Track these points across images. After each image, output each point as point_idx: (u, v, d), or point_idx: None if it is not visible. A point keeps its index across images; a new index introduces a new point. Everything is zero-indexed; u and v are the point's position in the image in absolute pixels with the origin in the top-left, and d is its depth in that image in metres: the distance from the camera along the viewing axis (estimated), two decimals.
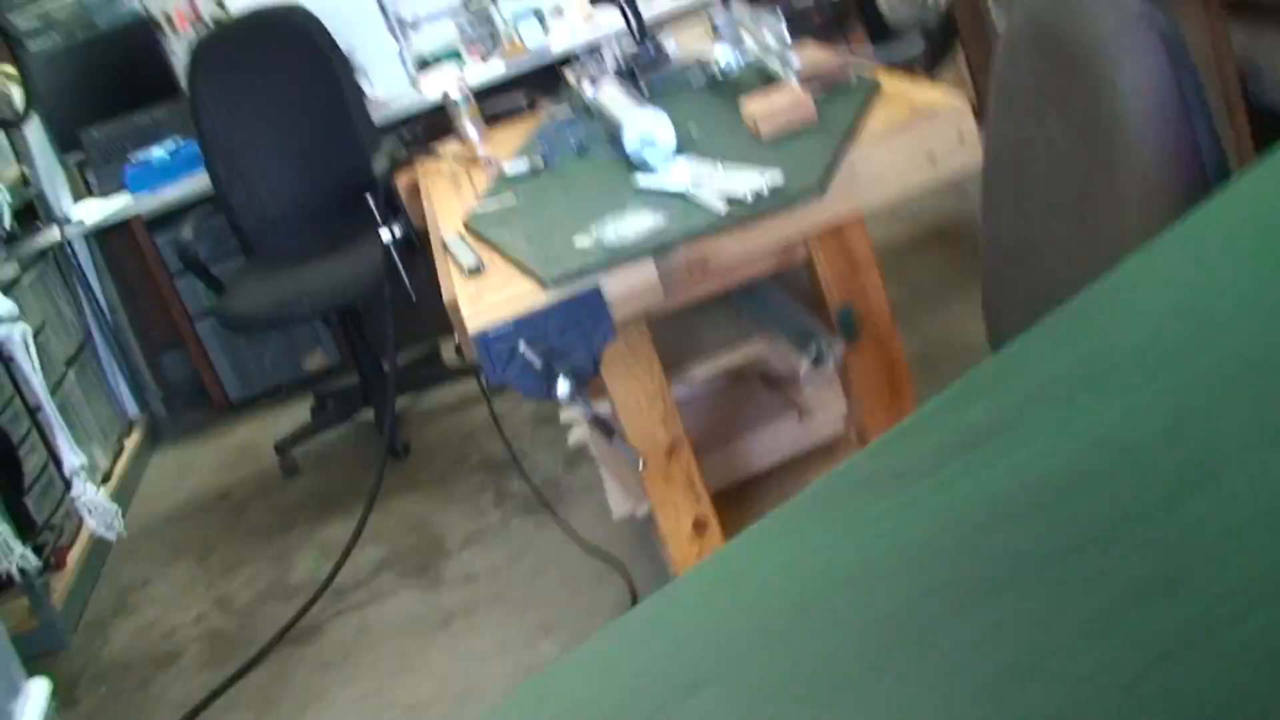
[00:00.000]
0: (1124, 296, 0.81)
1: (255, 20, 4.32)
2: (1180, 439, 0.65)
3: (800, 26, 3.94)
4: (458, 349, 3.18)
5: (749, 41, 2.66)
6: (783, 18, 2.46)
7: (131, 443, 4.68)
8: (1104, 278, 0.83)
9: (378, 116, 4.39)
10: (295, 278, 3.94)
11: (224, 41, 4.29)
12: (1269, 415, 0.63)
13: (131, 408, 4.92)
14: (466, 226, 2.46)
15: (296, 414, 4.53)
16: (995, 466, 0.70)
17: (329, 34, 4.21)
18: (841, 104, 2.32)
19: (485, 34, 4.85)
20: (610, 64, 3.04)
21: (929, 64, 4.56)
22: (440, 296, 2.35)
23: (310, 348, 4.88)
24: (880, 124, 2.19)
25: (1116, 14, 1.17)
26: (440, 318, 2.51)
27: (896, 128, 2.15)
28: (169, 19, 5.06)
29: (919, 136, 2.13)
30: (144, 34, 4.96)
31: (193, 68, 4.24)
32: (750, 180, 2.05)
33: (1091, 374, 0.74)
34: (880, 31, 5.09)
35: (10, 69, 4.59)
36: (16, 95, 4.57)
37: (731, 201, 2.03)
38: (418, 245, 3.36)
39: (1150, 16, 1.15)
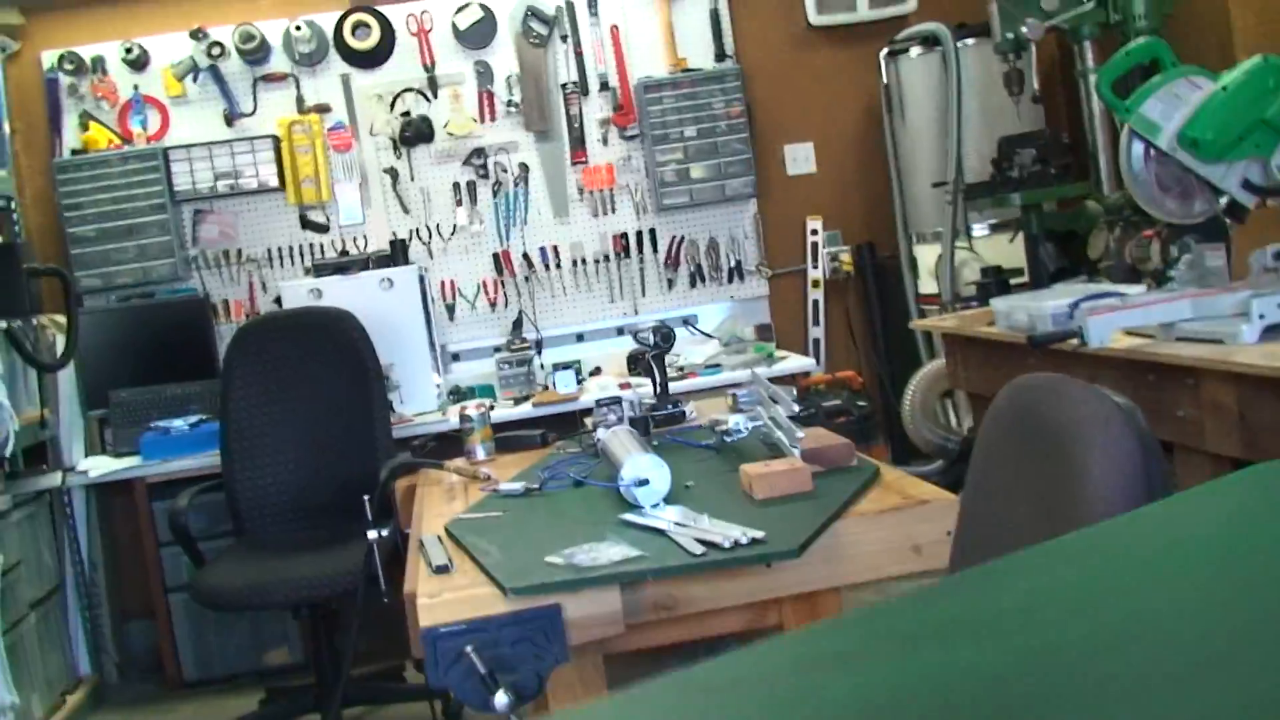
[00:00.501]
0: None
1: (303, 317, 4.46)
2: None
3: (825, 424, 4.00)
4: (418, 663, 3.08)
5: (762, 414, 2.70)
6: (795, 395, 2.51)
7: (74, 700, 4.51)
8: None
9: (399, 430, 4.45)
10: (277, 566, 3.89)
11: (268, 330, 4.41)
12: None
13: (84, 665, 4.78)
14: (446, 530, 2.44)
15: (245, 706, 4.37)
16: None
17: (372, 346, 4.32)
18: (840, 482, 2.33)
19: (522, 378, 4.96)
20: (627, 414, 3.10)
21: (946, 484, 4.59)
22: None
23: (276, 643, 4.75)
24: (872, 505, 2.18)
25: (1098, 406, 1.18)
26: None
27: (886, 511, 2.14)
28: (226, 305, 5.25)
29: (907, 524, 2.12)
30: (198, 313, 5.14)
31: (232, 348, 4.35)
32: (730, 531, 2.04)
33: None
34: (903, 450, 5.17)
35: (60, 319, 4.73)
36: (59, 344, 4.69)
37: (708, 546, 2.01)
38: (402, 551, 3.32)
39: (1129, 412, 1.16)
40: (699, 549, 2.01)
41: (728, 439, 2.79)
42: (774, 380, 3.39)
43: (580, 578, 1.98)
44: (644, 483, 2.34)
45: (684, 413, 3.17)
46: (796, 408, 2.52)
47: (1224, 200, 3.08)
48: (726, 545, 1.99)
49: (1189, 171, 3.08)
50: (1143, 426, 1.12)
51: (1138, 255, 3.71)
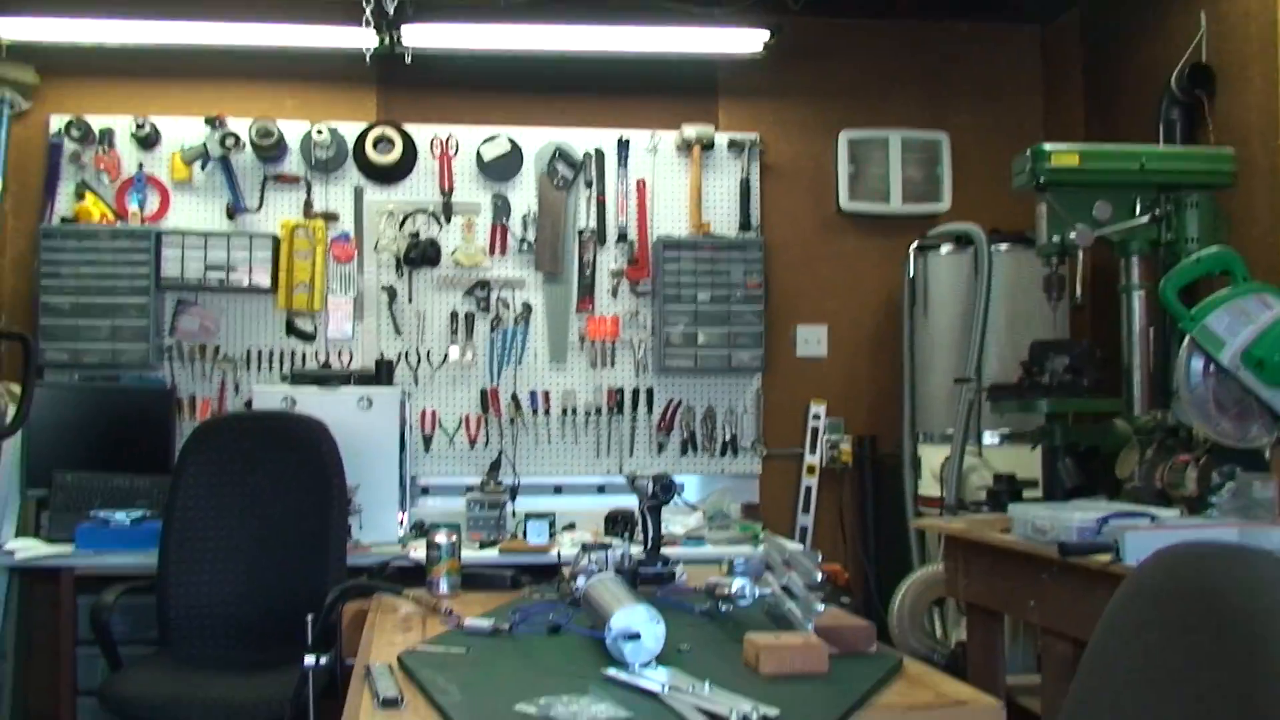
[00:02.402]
0: None
1: (270, 419, 4.19)
2: None
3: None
4: None
5: (771, 581, 2.42)
6: (819, 559, 2.23)
7: None
8: None
9: (354, 559, 4.12)
10: (197, 682, 3.52)
11: (231, 428, 4.13)
12: None
13: None
14: (400, 661, 2.13)
15: None
16: None
17: (340, 461, 4.03)
18: (857, 668, 2.03)
19: (492, 522, 4.66)
20: (612, 565, 2.80)
21: None
22: None
23: None
24: (899, 700, 1.88)
25: None
26: None
27: (916, 709, 1.84)
28: (193, 401, 4.96)
29: None
30: (161, 405, 4.86)
31: (190, 442, 4.05)
32: (739, 705, 1.73)
33: None
34: None
35: (15, 387, 4.43)
36: (9, 414, 4.39)
37: (711, 717, 1.70)
38: (340, 684, 2.98)
39: None
40: (700, 719, 1.70)
41: (725, 607, 2.49)
42: None
43: None
44: (634, 637, 2.04)
45: (675, 572, 2.87)
46: (819, 576, 2.23)
47: None
48: (734, 719, 1.68)
49: (1249, 393, 2.87)
50: None
51: (1170, 480, 3.47)
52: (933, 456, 4.99)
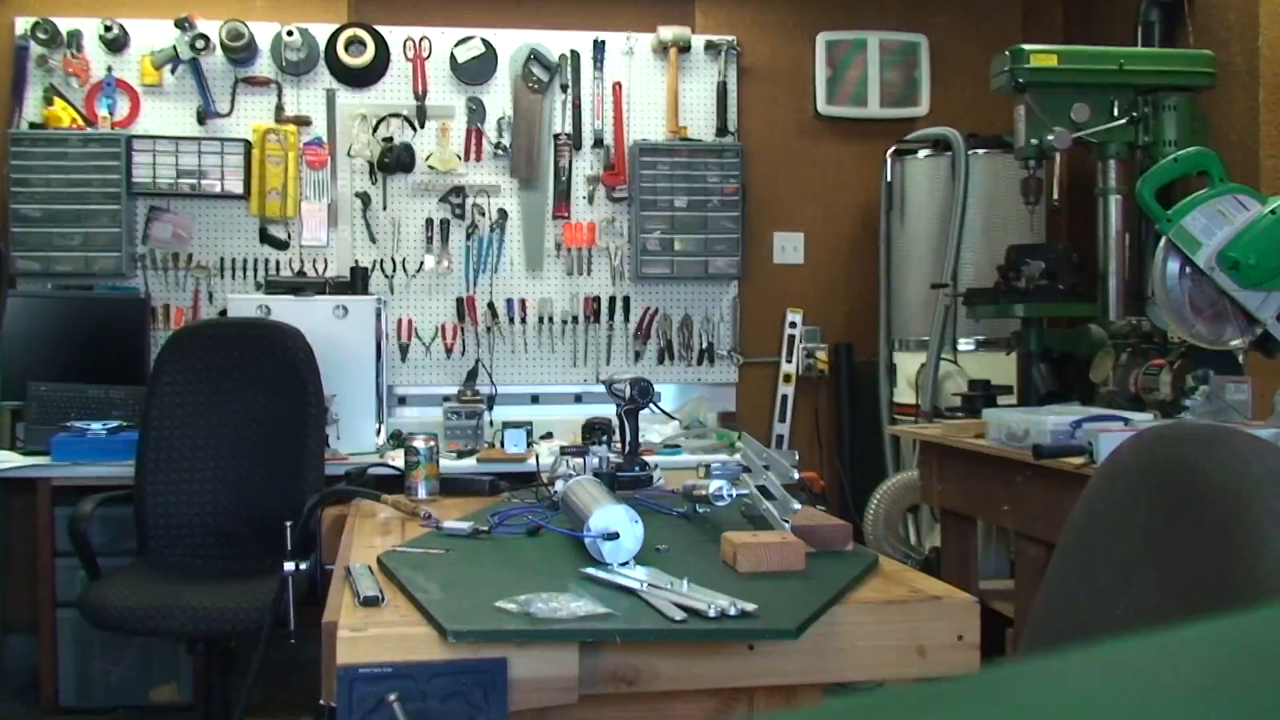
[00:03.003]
0: None
1: (246, 327, 4.15)
2: None
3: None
4: (323, 714, 2.76)
5: (748, 482, 2.42)
6: (795, 462, 2.23)
7: None
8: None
9: (330, 468, 4.11)
10: (177, 591, 3.53)
11: (206, 337, 4.09)
12: None
13: None
14: (379, 562, 2.13)
15: None
16: None
17: (316, 369, 4.00)
18: (834, 565, 2.05)
19: (470, 431, 4.67)
20: (590, 468, 2.81)
21: None
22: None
23: (165, 678, 4.36)
24: (874, 595, 1.90)
25: (1275, 460, 0.91)
26: (317, 688, 2.11)
27: (891, 603, 1.86)
28: (167, 310, 4.92)
29: (914, 620, 1.84)
30: (136, 314, 4.81)
31: (165, 351, 4.02)
32: (717, 600, 1.75)
33: None
34: None
35: None
36: None
37: (689, 613, 1.71)
38: (321, 590, 2.98)
39: None
40: (679, 615, 1.71)
41: (703, 508, 2.50)
42: None
43: (536, 629, 1.68)
44: (614, 536, 2.04)
45: (653, 476, 2.88)
46: (796, 475, 2.24)
47: (1258, 331, 2.88)
48: (712, 614, 1.70)
49: (1224, 295, 2.87)
50: None
51: (1144, 384, 3.49)
52: (908, 364, 5.01)
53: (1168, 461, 0.99)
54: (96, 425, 4.33)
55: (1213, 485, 0.92)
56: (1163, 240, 2.90)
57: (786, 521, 2.18)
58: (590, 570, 1.98)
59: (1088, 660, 0.46)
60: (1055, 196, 4.04)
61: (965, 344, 4.82)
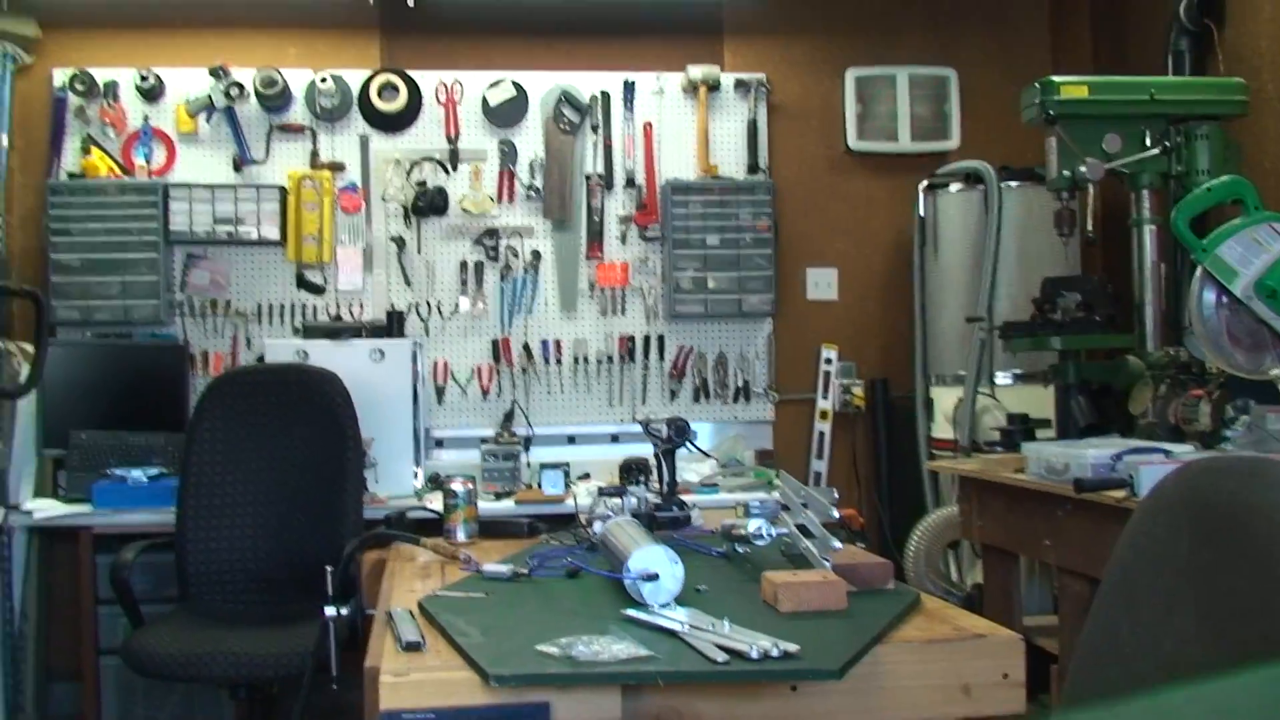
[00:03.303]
0: None
1: (285, 373, 4.19)
2: None
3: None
4: None
5: (787, 520, 2.42)
6: (835, 498, 2.23)
7: None
8: None
9: (369, 511, 4.12)
10: (220, 637, 3.54)
11: (245, 383, 4.12)
12: None
13: None
14: (420, 606, 2.14)
15: None
16: None
17: (354, 413, 4.03)
18: (876, 604, 2.04)
19: (507, 473, 4.68)
20: (628, 509, 2.81)
21: None
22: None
23: None
24: (917, 634, 1.89)
25: None
26: None
27: (935, 642, 1.85)
28: (205, 356, 4.97)
29: (958, 659, 1.83)
30: (175, 361, 4.85)
31: (205, 398, 4.06)
32: (759, 641, 1.74)
33: None
34: None
35: (28, 347, 4.44)
36: (23, 374, 4.40)
37: (731, 654, 1.71)
38: (361, 635, 2.99)
39: None
40: (721, 656, 1.71)
41: (743, 548, 2.49)
42: None
43: (578, 672, 1.68)
44: (653, 578, 2.04)
45: (690, 516, 2.88)
46: (836, 514, 2.23)
47: None
48: (754, 655, 1.69)
49: (1263, 324, 2.86)
50: None
51: (1183, 415, 3.46)
52: (945, 398, 4.98)
53: (1209, 494, 0.99)
54: (137, 472, 4.36)
55: (1254, 517, 0.92)
56: (1198, 270, 2.88)
57: (827, 560, 2.17)
58: (631, 612, 1.98)
59: (1142, 710, 0.46)
60: (1089, 228, 4.02)
61: (1002, 378, 4.80)
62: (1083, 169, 3.87)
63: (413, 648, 1.86)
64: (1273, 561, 0.90)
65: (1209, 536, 0.99)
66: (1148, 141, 3.94)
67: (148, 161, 4.95)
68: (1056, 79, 3.95)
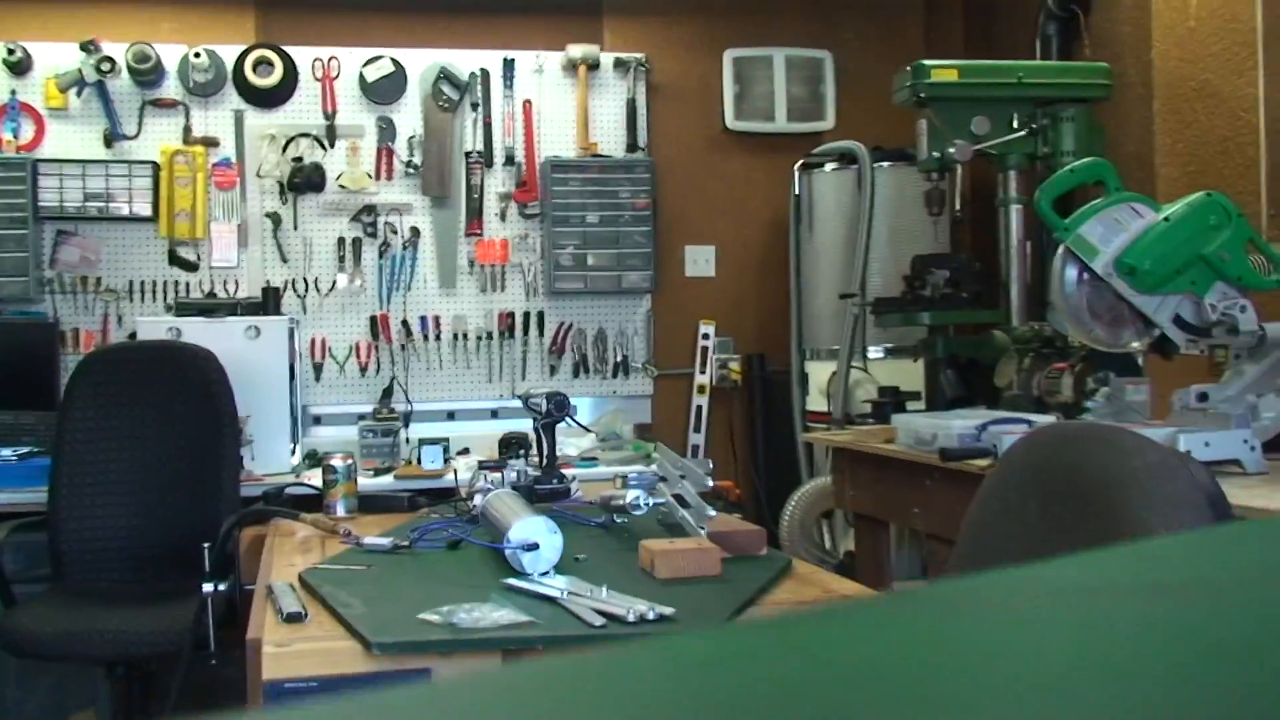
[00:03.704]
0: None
1: (157, 350, 4.13)
2: None
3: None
4: None
5: (664, 490, 2.47)
6: (709, 470, 2.28)
7: None
8: None
9: (246, 489, 4.09)
10: (95, 615, 3.50)
11: (117, 360, 4.06)
12: None
13: None
14: (301, 579, 2.15)
15: None
16: None
17: (230, 390, 4.00)
18: (749, 569, 2.10)
19: (386, 449, 4.67)
20: (508, 482, 2.84)
21: None
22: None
23: (83, 704, 4.30)
24: (789, 596, 1.96)
25: (1158, 455, 0.97)
26: (238, 709, 2.13)
27: (806, 604, 1.91)
28: (76, 334, 4.87)
29: None
30: (44, 339, 4.75)
31: (75, 376, 3.99)
32: (636, 605, 1.79)
33: None
34: None
35: None
36: None
37: (609, 619, 1.75)
38: (240, 610, 2.99)
39: (1194, 464, 0.95)
40: (599, 620, 1.75)
41: (621, 518, 2.54)
42: None
43: (459, 639, 1.71)
44: (533, 547, 2.08)
45: (570, 488, 2.92)
46: (710, 482, 2.29)
47: (1155, 333, 2.98)
48: (631, 619, 1.74)
49: (1122, 300, 2.97)
50: (1210, 480, 0.92)
51: (1047, 387, 3.59)
52: (820, 372, 5.09)
53: (1055, 459, 1.06)
54: (7, 451, 4.28)
55: (1096, 480, 0.98)
56: (1061, 248, 2.99)
57: (702, 528, 2.23)
58: (511, 581, 2.02)
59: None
60: (958, 207, 4.14)
61: (874, 352, 4.91)
62: (952, 150, 3.98)
63: (294, 619, 1.87)
64: (1113, 521, 0.96)
65: (1055, 499, 1.06)
66: (1015, 124, 4.07)
67: (16, 136, 4.83)
68: (928, 63, 4.05)
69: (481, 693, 0.47)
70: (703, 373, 5.45)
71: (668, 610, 1.77)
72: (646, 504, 2.43)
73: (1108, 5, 4.44)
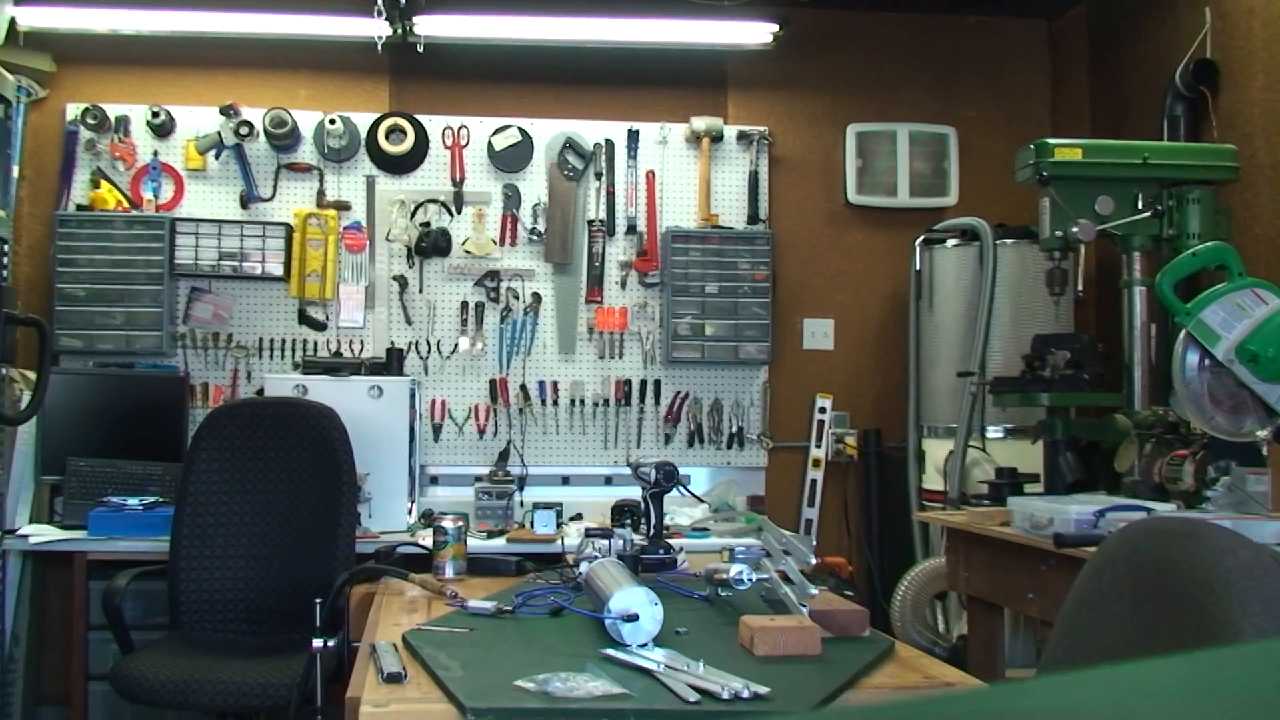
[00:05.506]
0: None
1: (282, 406, 4.23)
2: None
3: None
4: None
5: (768, 566, 2.46)
6: (813, 546, 2.27)
7: None
8: None
9: (361, 546, 4.16)
10: (208, 665, 3.58)
11: (243, 416, 4.17)
12: None
13: None
14: (404, 639, 2.18)
15: None
16: None
17: (349, 448, 4.08)
18: (850, 650, 2.08)
19: (500, 511, 4.72)
20: (614, 550, 2.85)
21: None
22: None
23: None
24: (888, 680, 1.93)
25: (1251, 555, 0.95)
26: None
27: (905, 689, 1.89)
28: (205, 388, 5.02)
29: None
30: (175, 392, 4.90)
31: (203, 429, 4.11)
32: (731, 682, 1.78)
33: None
34: None
35: (30, 374, 4.49)
36: (24, 401, 4.45)
37: (703, 695, 1.75)
38: (347, 668, 3.03)
39: None
40: (693, 696, 1.75)
41: (724, 592, 2.54)
42: None
43: (553, 708, 1.72)
44: (633, 618, 2.09)
45: (676, 559, 2.92)
46: (813, 560, 2.28)
47: (1278, 423, 2.90)
48: (725, 696, 1.73)
49: (1244, 387, 2.90)
50: None
51: (1168, 475, 3.50)
52: (936, 450, 5.03)
53: (1148, 553, 1.04)
54: (133, 500, 4.41)
55: (1188, 579, 0.97)
56: (1182, 333, 2.93)
57: (804, 606, 2.21)
58: (609, 651, 2.02)
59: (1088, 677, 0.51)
60: (1080, 287, 4.08)
61: (993, 431, 4.84)
62: (1075, 230, 3.93)
63: (394, 679, 1.90)
64: (1204, 622, 0.94)
65: (1148, 596, 1.04)
66: (1140, 204, 4.00)
67: (156, 196, 5.03)
68: (1051, 141, 4.02)
69: None
70: (818, 446, 5.42)
71: (763, 690, 1.76)
72: (750, 579, 2.42)
73: (1237, 86, 4.36)
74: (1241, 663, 0.63)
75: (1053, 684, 0.55)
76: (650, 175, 5.34)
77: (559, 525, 4.61)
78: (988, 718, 0.51)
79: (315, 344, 5.13)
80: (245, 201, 5.09)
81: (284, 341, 5.11)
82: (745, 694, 1.74)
